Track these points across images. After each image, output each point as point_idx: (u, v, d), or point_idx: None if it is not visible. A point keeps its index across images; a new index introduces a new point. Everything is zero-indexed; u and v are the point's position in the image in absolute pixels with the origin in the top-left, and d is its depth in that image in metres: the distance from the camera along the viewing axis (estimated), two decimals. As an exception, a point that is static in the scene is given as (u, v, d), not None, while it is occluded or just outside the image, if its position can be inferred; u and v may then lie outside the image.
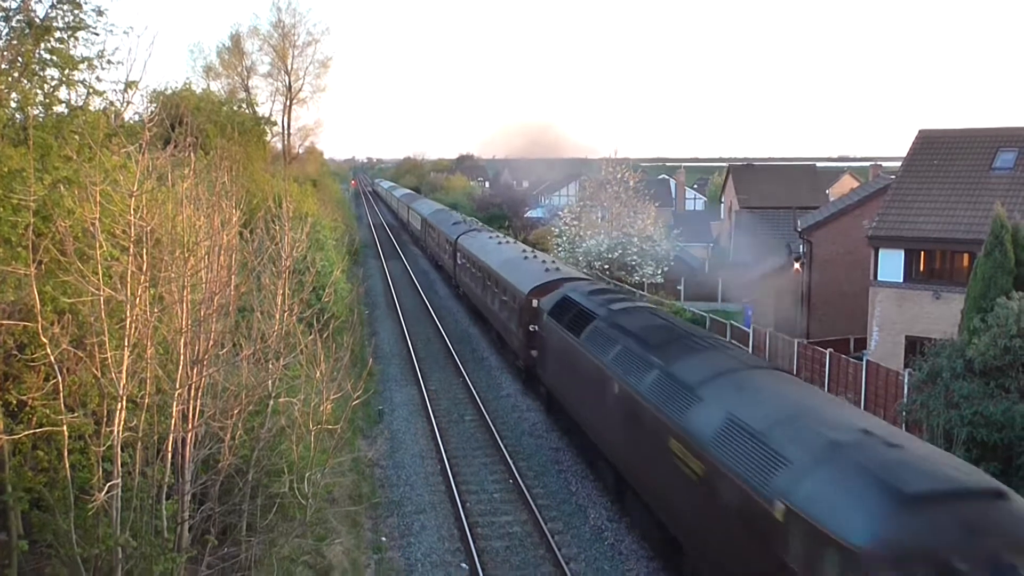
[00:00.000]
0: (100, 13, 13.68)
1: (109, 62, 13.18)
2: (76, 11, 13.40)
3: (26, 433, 9.79)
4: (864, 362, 26.73)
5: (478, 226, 52.50)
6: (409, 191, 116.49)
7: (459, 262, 45.52)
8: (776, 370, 16.72)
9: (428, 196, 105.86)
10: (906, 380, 23.12)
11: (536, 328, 26.69)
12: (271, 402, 13.40)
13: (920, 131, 33.94)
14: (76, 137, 12.19)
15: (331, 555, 16.02)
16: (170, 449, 10.92)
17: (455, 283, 48.66)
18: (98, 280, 9.84)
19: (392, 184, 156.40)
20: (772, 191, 72.57)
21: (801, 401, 13.52)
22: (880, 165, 55.67)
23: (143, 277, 10.27)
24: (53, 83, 13.02)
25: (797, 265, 41.70)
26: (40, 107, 12.85)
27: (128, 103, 13.43)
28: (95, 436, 10.26)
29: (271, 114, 58.11)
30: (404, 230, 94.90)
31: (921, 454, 11.33)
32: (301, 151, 70.16)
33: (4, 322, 10.24)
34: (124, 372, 9.97)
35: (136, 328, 10.22)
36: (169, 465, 10.96)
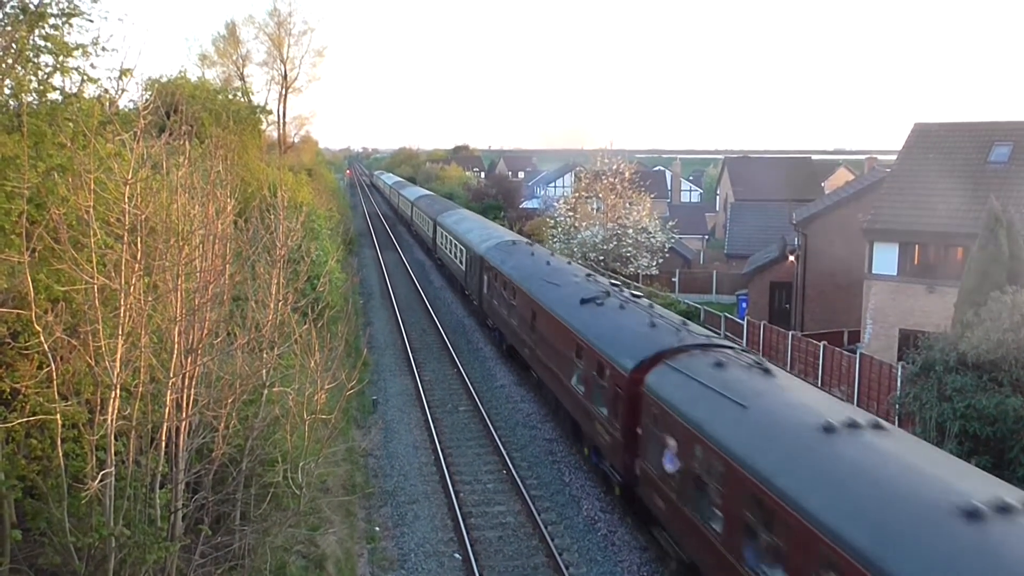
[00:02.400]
0: (95, 0, 13.60)
1: (104, 49, 13.06)
2: (71, -3, 13.30)
3: (19, 421, 9.75)
4: (858, 355, 26.79)
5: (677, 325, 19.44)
6: (427, 192, 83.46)
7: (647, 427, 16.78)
8: None
9: (425, 185, 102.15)
10: (899, 373, 23.18)
11: None
12: (265, 391, 13.39)
13: (915, 124, 33.97)
14: (70, 124, 12.12)
15: (324, 545, 16.05)
16: (164, 438, 10.91)
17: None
18: (92, 268, 9.81)
19: (397, 179, 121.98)
20: (768, 183, 72.75)
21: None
22: (875, 158, 55.54)
23: (137, 265, 10.24)
24: (47, 70, 12.92)
25: (792, 258, 41.76)
26: (34, 94, 12.76)
27: (123, 91, 13.29)
28: (89, 425, 10.25)
29: (266, 103, 58.00)
30: (419, 245, 71.10)
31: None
32: (296, 140, 70.11)
33: (-2, 310, 10.20)
34: (118, 361, 9.95)
35: (130, 317, 10.19)
36: (163, 454, 10.94)
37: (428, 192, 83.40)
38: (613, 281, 26.15)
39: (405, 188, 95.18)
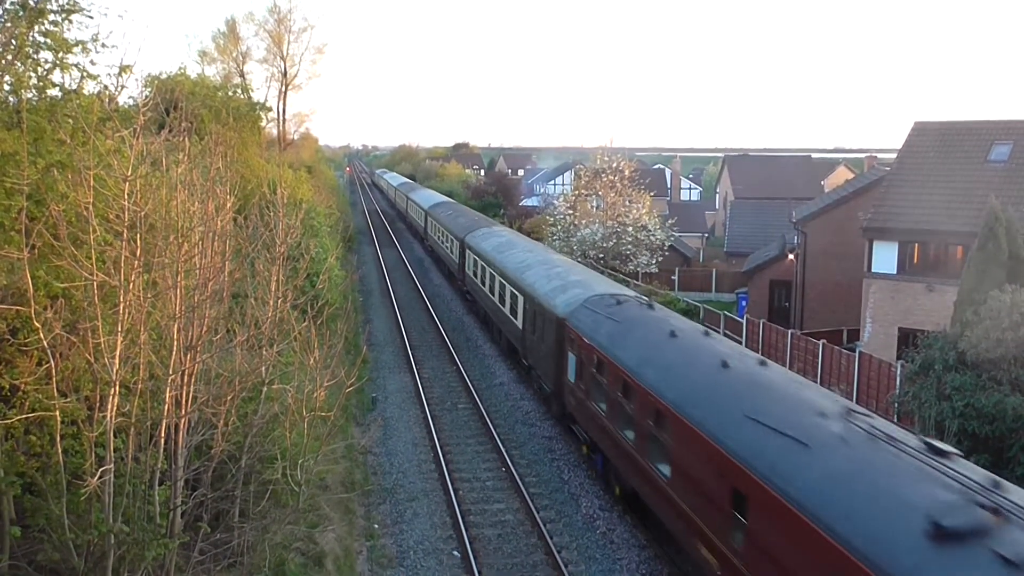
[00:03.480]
0: (94, -4, 13.57)
1: (104, 45, 13.05)
2: (71, -7, 13.28)
3: (18, 418, 9.76)
4: (857, 353, 26.79)
5: None
6: (445, 198, 66.53)
7: None
8: None
9: (425, 183, 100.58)
10: (899, 372, 23.19)
11: None
12: (264, 389, 13.41)
13: (916, 123, 33.95)
14: (70, 121, 12.11)
15: (323, 542, 16.05)
16: (163, 435, 10.92)
17: None
18: (91, 265, 9.81)
19: (404, 180, 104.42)
20: (767, 182, 72.80)
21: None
22: (875, 157, 55.63)
23: (137, 262, 10.24)
24: (47, 66, 12.91)
25: (791, 256, 41.77)
26: (34, 90, 12.75)
27: (122, 87, 13.27)
28: (88, 421, 10.25)
29: (266, 100, 57.95)
30: (436, 264, 56.38)
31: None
32: (296, 137, 70.02)
33: (-3, 306, 10.20)
34: (117, 357, 9.95)
35: (129, 313, 10.19)
36: (162, 451, 10.95)
37: (446, 198, 66.01)
38: (929, 440, 11.61)
39: (415, 191, 77.82)
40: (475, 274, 38.04)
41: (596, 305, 21.76)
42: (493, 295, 33.20)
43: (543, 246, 37.94)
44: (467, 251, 40.51)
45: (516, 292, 28.80)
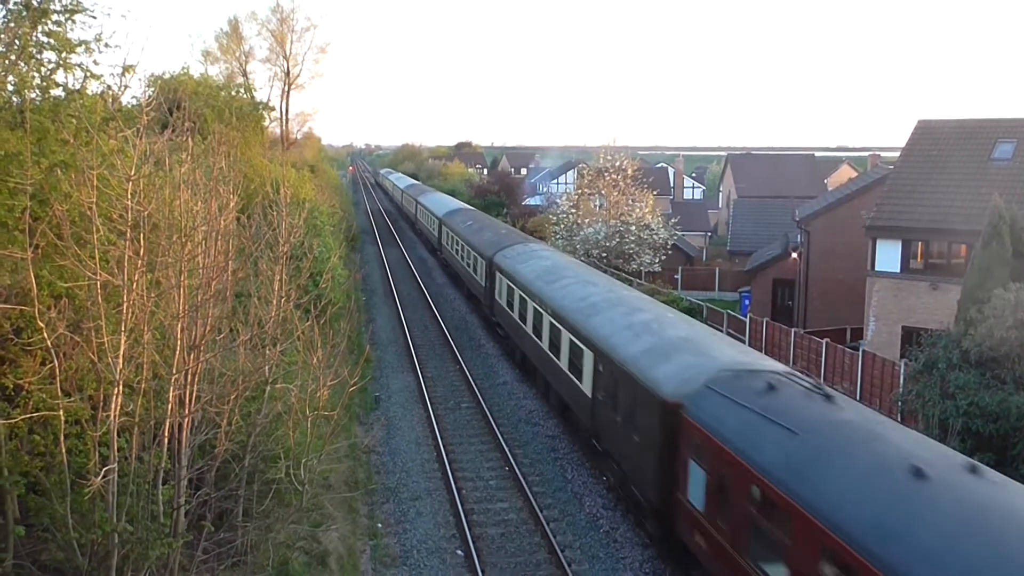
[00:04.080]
0: (98, -4, 13.61)
1: (107, 45, 13.09)
2: (74, -7, 13.31)
3: (22, 417, 9.78)
4: (860, 352, 26.78)
5: None
6: (462, 205, 58.73)
7: None
8: None
9: (428, 182, 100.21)
10: (902, 370, 23.17)
11: None
12: (268, 388, 13.43)
13: (919, 121, 33.91)
14: (73, 121, 12.13)
15: (327, 541, 16.06)
16: (167, 434, 10.94)
17: None
18: (95, 264, 9.82)
19: (412, 182, 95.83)
20: (770, 180, 72.77)
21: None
22: (879, 155, 55.60)
23: (140, 262, 10.25)
24: (50, 66, 12.94)
25: (795, 255, 41.74)
26: (37, 90, 12.77)
27: (126, 87, 13.34)
28: (92, 421, 10.27)
29: (269, 99, 58.02)
30: (451, 280, 49.62)
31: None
32: (299, 136, 70.05)
33: (1, 306, 10.22)
34: (121, 357, 9.96)
35: (133, 313, 10.21)
36: (166, 450, 10.97)
37: (463, 204, 58.50)
38: None
39: (426, 195, 69.85)
40: (510, 306, 30.25)
41: (735, 390, 14.07)
42: (540, 339, 25.34)
43: (607, 277, 28.78)
44: (497, 275, 32.88)
45: (579, 343, 21.05)
